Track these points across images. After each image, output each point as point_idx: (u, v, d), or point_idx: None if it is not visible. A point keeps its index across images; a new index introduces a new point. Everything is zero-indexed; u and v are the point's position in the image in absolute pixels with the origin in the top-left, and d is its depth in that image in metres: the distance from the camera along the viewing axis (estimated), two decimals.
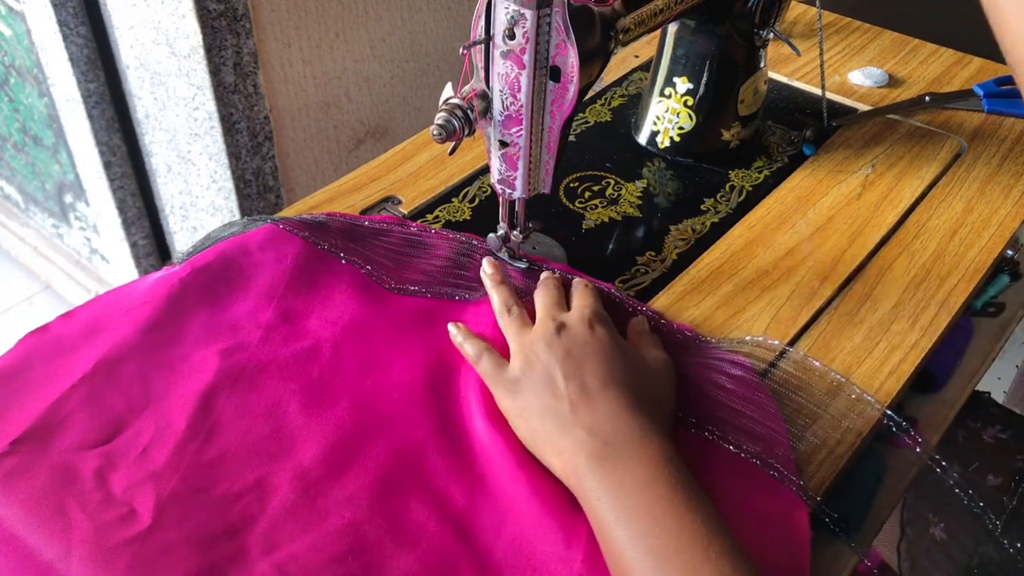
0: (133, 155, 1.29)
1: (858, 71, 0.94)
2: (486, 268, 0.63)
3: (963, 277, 0.69)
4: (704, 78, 0.77)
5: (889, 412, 0.57)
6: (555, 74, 0.56)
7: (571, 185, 0.78)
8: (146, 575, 0.47)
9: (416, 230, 0.70)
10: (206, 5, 0.96)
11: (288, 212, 0.73)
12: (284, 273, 0.64)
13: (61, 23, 1.11)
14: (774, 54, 0.96)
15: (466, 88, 0.58)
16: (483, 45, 0.56)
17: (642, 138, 0.83)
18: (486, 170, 0.78)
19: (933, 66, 0.96)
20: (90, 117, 1.21)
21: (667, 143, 0.81)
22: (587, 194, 0.77)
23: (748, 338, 0.62)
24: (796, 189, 0.78)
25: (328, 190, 0.77)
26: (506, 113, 0.57)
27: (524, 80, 0.55)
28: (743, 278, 0.68)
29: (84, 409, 0.55)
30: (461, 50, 0.55)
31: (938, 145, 0.83)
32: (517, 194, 0.62)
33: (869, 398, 0.58)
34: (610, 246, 0.72)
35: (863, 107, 0.89)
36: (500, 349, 0.58)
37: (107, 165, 1.27)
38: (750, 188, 0.78)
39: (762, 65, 0.79)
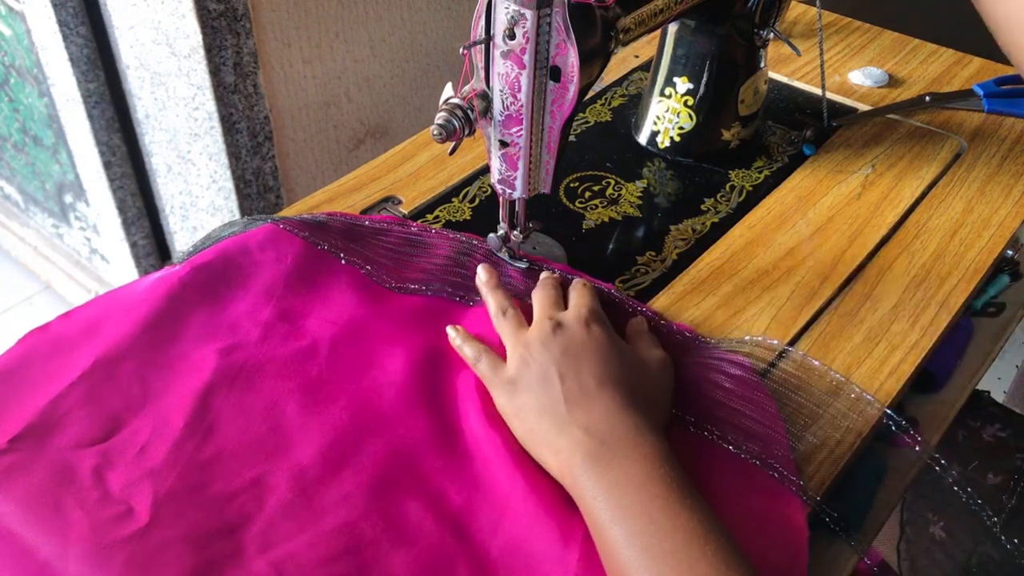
0: (133, 155, 1.29)
1: (858, 71, 0.94)
2: (481, 275, 0.63)
3: (963, 277, 0.69)
4: (704, 78, 0.77)
5: (888, 411, 0.57)
6: (555, 74, 0.56)
7: (571, 185, 0.78)
8: (143, 573, 0.47)
9: (416, 230, 0.70)
10: (206, 5, 0.96)
11: (288, 212, 0.73)
12: (284, 272, 0.64)
13: (61, 23, 1.11)
14: (774, 54, 0.96)
15: (466, 88, 0.58)
16: (483, 45, 0.56)
17: (642, 138, 0.83)
18: (486, 170, 0.78)
19: (933, 66, 0.96)
20: (90, 117, 1.21)
21: (667, 143, 0.81)
22: (587, 194, 0.77)
23: (748, 338, 0.62)
24: (796, 189, 0.78)
25: (328, 190, 0.77)
26: (506, 113, 0.57)
27: (524, 80, 0.55)
28: (743, 278, 0.68)
29: (82, 407, 0.55)
30: (461, 50, 0.55)
31: (938, 145, 0.84)
32: (517, 194, 0.62)
33: (868, 397, 0.58)
34: (610, 246, 0.72)
35: (863, 107, 0.89)
36: (499, 351, 0.58)
37: (107, 165, 1.27)
38: (750, 188, 0.78)
39: (762, 65, 0.79)
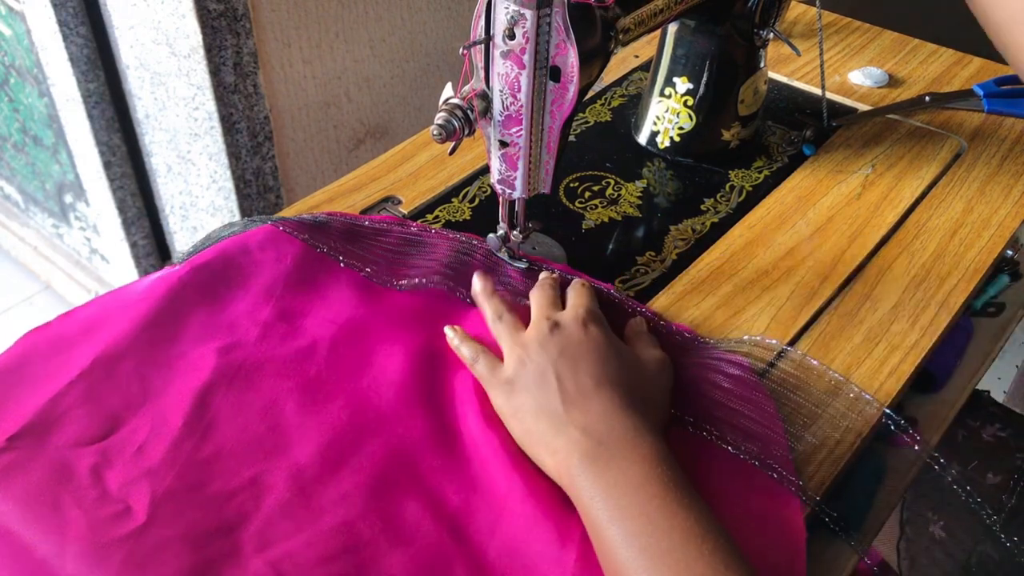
0: (133, 155, 1.29)
1: (858, 71, 0.94)
2: (476, 284, 0.63)
3: (963, 277, 0.69)
4: (704, 78, 0.77)
5: (887, 411, 0.57)
6: (555, 74, 0.56)
7: (571, 185, 0.78)
8: (140, 572, 0.47)
9: (416, 230, 0.70)
10: (206, 5, 0.96)
11: (288, 212, 0.73)
12: (283, 272, 0.64)
13: (61, 23, 1.11)
14: (774, 54, 0.96)
15: (466, 88, 0.58)
16: (483, 45, 0.56)
17: (642, 138, 0.83)
18: (486, 170, 0.78)
19: (933, 66, 0.96)
20: (90, 117, 1.21)
21: (667, 143, 0.81)
22: (587, 194, 0.77)
23: (746, 338, 0.62)
24: (796, 189, 0.78)
25: (328, 190, 0.77)
26: (506, 113, 0.57)
27: (524, 80, 0.55)
28: (743, 278, 0.68)
29: (81, 406, 0.55)
30: (461, 50, 0.55)
31: (938, 145, 0.84)
32: (517, 194, 0.62)
33: (867, 396, 0.58)
34: (610, 246, 0.72)
35: (863, 107, 0.89)
36: (497, 352, 0.58)
37: (107, 165, 1.27)
38: (750, 188, 0.78)
39: (762, 65, 0.79)
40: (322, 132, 1.18)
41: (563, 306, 0.60)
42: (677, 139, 0.81)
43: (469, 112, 0.57)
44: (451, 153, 0.60)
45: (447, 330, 0.60)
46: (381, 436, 0.55)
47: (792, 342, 0.63)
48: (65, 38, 1.13)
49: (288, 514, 0.50)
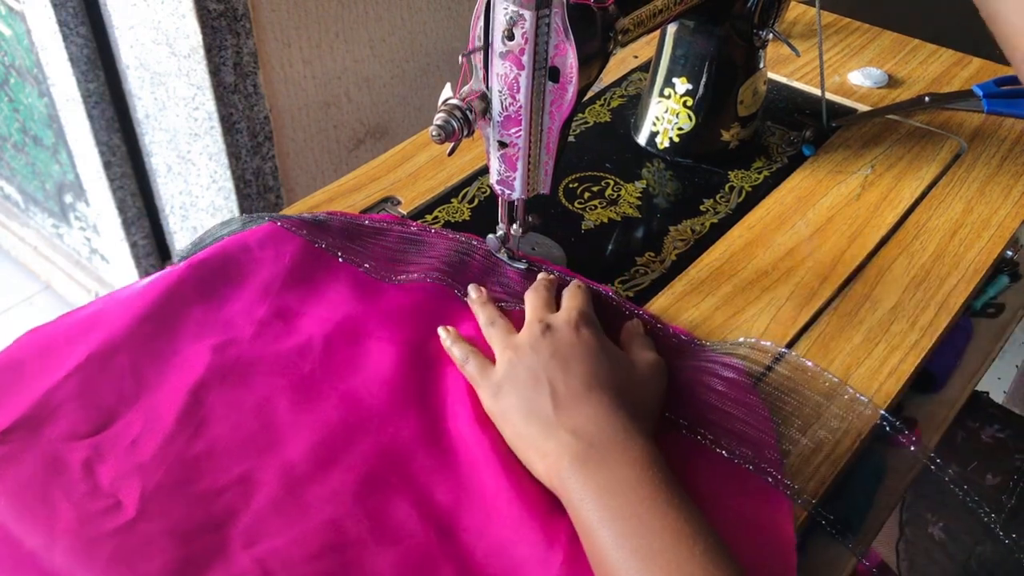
0: (133, 155, 1.29)
1: (858, 71, 0.94)
2: (471, 293, 0.63)
3: (963, 277, 0.69)
4: (703, 79, 0.77)
5: (883, 412, 0.57)
6: (554, 75, 0.56)
7: (570, 186, 0.78)
8: (127, 566, 0.47)
9: (416, 229, 0.70)
10: (206, 5, 0.96)
11: (288, 212, 0.73)
12: (281, 270, 0.64)
13: (61, 23, 1.11)
14: (774, 54, 0.96)
15: (465, 89, 0.58)
16: (482, 44, 0.56)
17: (641, 139, 0.83)
18: (485, 171, 0.78)
19: (933, 66, 0.96)
20: (90, 117, 1.21)
21: (666, 144, 0.81)
22: (586, 195, 0.77)
23: (742, 340, 0.62)
24: (796, 190, 0.78)
25: (328, 190, 0.77)
26: (505, 114, 0.57)
27: (523, 81, 0.55)
28: (743, 279, 0.68)
29: (75, 400, 0.55)
30: (460, 58, 0.55)
31: (938, 145, 0.83)
32: (516, 195, 0.62)
33: (862, 397, 0.58)
34: (609, 247, 0.72)
35: (863, 107, 0.89)
36: (490, 354, 0.58)
37: (107, 165, 1.27)
38: (749, 189, 0.78)
39: (761, 65, 0.79)
40: (322, 132, 1.18)
41: (559, 308, 0.60)
42: (676, 140, 0.81)
43: (468, 113, 0.57)
44: (450, 154, 0.60)
45: (440, 331, 0.61)
46: (372, 435, 0.55)
47: (792, 342, 0.63)
48: (65, 38, 1.13)
49: (277, 511, 0.50)
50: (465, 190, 0.77)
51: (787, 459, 0.55)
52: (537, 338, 0.56)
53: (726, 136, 0.80)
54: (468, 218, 0.74)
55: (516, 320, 0.61)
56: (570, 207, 0.75)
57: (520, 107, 0.57)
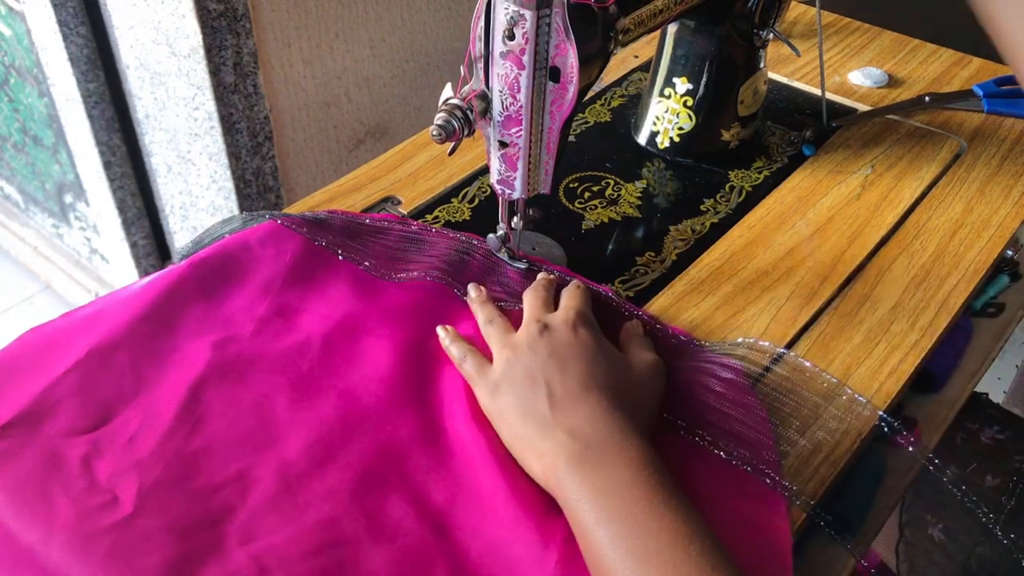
0: (133, 155, 1.29)
1: (858, 71, 0.94)
2: (471, 292, 0.63)
3: (963, 277, 0.69)
4: (704, 78, 0.77)
5: (881, 413, 0.57)
6: (554, 74, 0.56)
7: (571, 185, 0.78)
8: (124, 562, 0.47)
9: (417, 228, 0.70)
10: (206, 5, 0.96)
11: (288, 212, 0.73)
12: (282, 269, 0.65)
13: (61, 23, 1.11)
14: (774, 54, 0.96)
15: (466, 89, 0.58)
16: (483, 44, 0.56)
17: (642, 138, 0.83)
18: (486, 170, 0.78)
19: (933, 66, 0.96)
20: (90, 117, 1.21)
21: (667, 143, 0.81)
22: (587, 194, 0.77)
23: (740, 340, 0.62)
24: (796, 189, 0.78)
25: (328, 190, 0.77)
26: (506, 114, 0.57)
27: (524, 81, 0.55)
28: (743, 278, 0.68)
29: (74, 395, 0.55)
30: (463, 68, 0.55)
31: (938, 145, 0.84)
32: (516, 194, 0.62)
33: (860, 398, 0.58)
34: (610, 246, 0.72)
35: (863, 107, 0.89)
36: (488, 353, 0.58)
37: (107, 165, 1.27)
38: (750, 188, 0.78)
39: (762, 65, 0.79)
40: (322, 132, 1.18)
41: (556, 308, 0.60)
42: (677, 139, 0.81)
43: (469, 112, 0.57)
44: (451, 153, 0.60)
45: (439, 330, 0.61)
46: (370, 433, 0.55)
47: (792, 342, 0.63)
48: (65, 38, 1.13)
49: (273, 508, 0.50)
50: (465, 190, 0.77)
51: (786, 460, 0.55)
52: (535, 338, 0.56)
53: (726, 136, 0.80)
54: (468, 218, 0.74)
55: (515, 320, 0.61)
56: (570, 207, 0.75)
57: (520, 107, 0.57)
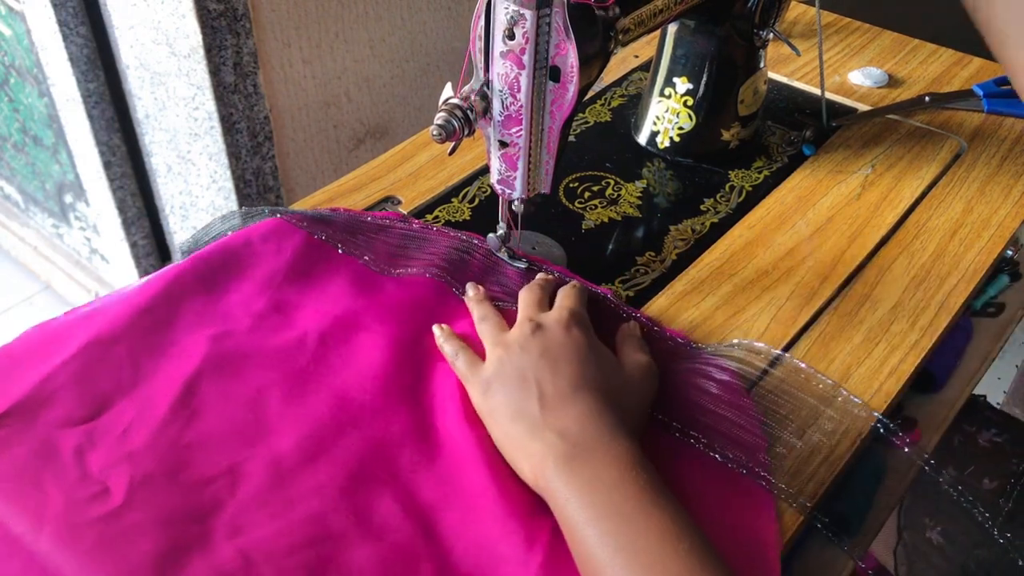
0: (133, 155, 1.29)
1: (858, 71, 0.94)
2: (468, 291, 0.63)
3: (963, 277, 0.69)
4: (704, 78, 0.77)
5: (876, 414, 0.57)
6: (555, 74, 0.56)
7: (571, 185, 0.78)
8: (111, 553, 0.47)
9: (418, 227, 0.70)
10: (206, 5, 0.96)
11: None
12: (282, 264, 0.65)
13: (61, 23, 1.11)
14: (774, 54, 0.96)
15: (466, 88, 0.58)
16: (482, 44, 0.56)
17: (642, 138, 0.83)
18: (486, 170, 0.78)
19: (933, 66, 0.96)
20: (90, 117, 1.21)
21: (667, 143, 0.81)
22: (587, 194, 0.77)
23: (736, 342, 0.62)
24: (796, 189, 0.78)
25: (328, 190, 0.77)
26: (506, 113, 0.57)
27: (524, 80, 0.55)
28: (743, 278, 0.68)
29: (72, 386, 0.56)
30: (463, 75, 0.55)
31: (938, 145, 0.84)
32: (517, 194, 0.62)
33: (855, 399, 0.58)
34: (610, 246, 0.72)
35: (863, 107, 0.89)
36: (483, 352, 0.58)
37: (107, 165, 1.27)
38: (750, 188, 0.78)
39: (762, 65, 0.79)
40: (322, 132, 1.18)
41: (551, 308, 0.60)
42: (677, 139, 0.81)
43: (469, 112, 0.57)
44: (451, 153, 0.60)
45: (435, 328, 0.61)
46: (361, 430, 0.55)
47: (792, 342, 0.63)
48: (65, 38, 1.13)
49: (262, 503, 0.51)
50: (466, 190, 0.77)
51: (785, 461, 0.55)
52: (527, 337, 0.56)
53: (726, 136, 0.80)
54: (468, 218, 0.74)
55: (512, 319, 0.61)
56: (570, 207, 0.75)
57: (521, 106, 0.57)
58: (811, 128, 0.84)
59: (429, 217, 0.74)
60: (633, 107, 0.88)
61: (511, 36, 0.53)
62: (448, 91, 0.58)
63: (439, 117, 0.57)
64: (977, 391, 0.92)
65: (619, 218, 0.75)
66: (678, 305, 0.66)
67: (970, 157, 0.82)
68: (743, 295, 0.67)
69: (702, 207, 0.76)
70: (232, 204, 1.16)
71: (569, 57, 0.54)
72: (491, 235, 0.67)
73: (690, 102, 0.79)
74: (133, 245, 1.38)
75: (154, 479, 0.51)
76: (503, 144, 0.59)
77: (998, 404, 1.41)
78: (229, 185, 1.13)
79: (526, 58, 0.54)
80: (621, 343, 0.60)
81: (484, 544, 0.49)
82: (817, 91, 0.90)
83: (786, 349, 0.62)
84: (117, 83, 1.19)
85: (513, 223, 0.65)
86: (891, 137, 0.85)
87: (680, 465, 0.53)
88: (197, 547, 0.48)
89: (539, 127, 0.58)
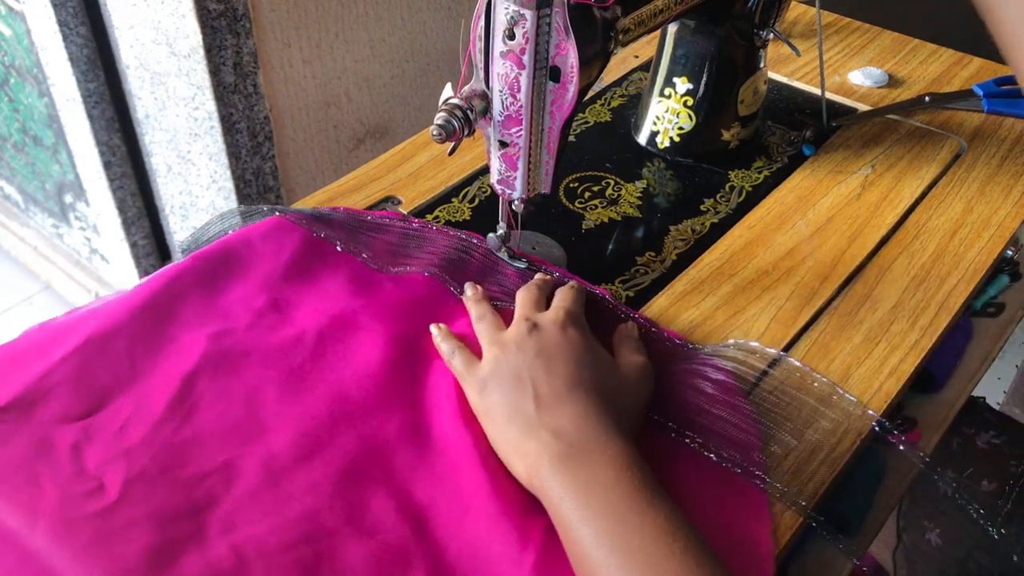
0: (133, 155, 1.29)
1: (858, 71, 0.94)
2: (467, 290, 0.64)
3: (963, 277, 0.69)
4: (704, 78, 0.77)
5: (870, 411, 0.57)
6: (555, 74, 0.56)
7: (571, 185, 0.78)
8: (105, 548, 0.47)
9: (418, 225, 0.70)
10: (206, 5, 0.96)
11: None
12: (282, 263, 0.65)
13: (61, 23, 1.11)
14: (774, 54, 0.96)
15: (466, 88, 0.58)
16: (483, 44, 0.56)
17: (642, 138, 0.83)
18: (486, 170, 0.78)
19: (933, 66, 0.96)
20: (90, 117, 1.21)
21: (667, 143, 0.81)
22: (587, 194, 0.77)
23: (732, 342, 0.62)
24: (796, 189, 0.78)
25: (328, 190, 0.77)
26: (506, 113, 0.57)
27: (524, 80, 0.55)
28: (743, 278, 0.68)
29: (70, 382, 0.56)
30: (463, 67, 0.55)
31: (938, 145, 0.84)
32: (517, 194, 0.62)
33: (850, 397, 0.58)
34: (610, 246, 0.72)
35: (863, 107, 0.89)
36: (480, 351, 0.58)
37: (107, 165, 1.27)
38: (750, 188, 0.78)
39: (762, 65, 0.79)
40: (322, 132, 1.18)
41: (548, 308, 0.60)
42: (677, 139, 0.81)
43: (469, 112, 0.57)
44: (451, 153, 0.60)
45: (432, 327, 0.61)
46: (356, 429, 0.55)
47: (792, 342, 0.63)
48: (65, 38, 1.13)
49: (256, 500, 0.51)
50: (466, 190, 0.77)
51: (784, 461, 0.55)
52: (523, 336, 0.56)
53: (726, 136, 0.80)
54: (469, 218, 0.74)
55: (510, 319, 0.61)
56: (570, 207, 0.76)
57: (521, 107, 0.57)
58: (811, 128, 0.84)
59: (429, 217, 0.74)
60: (633, 107, 0.88)
61: (511, 36, 0.53)
62: (448, 91, 0.58)
63: (439, 117, 0.57)
64: (977, 391, 0.92)
65: (619, 218, 0.75)
66: (678, 305, 0.66)
67: (970, 157, 0.82)
68: (743, 295, 0.67)
69: (702, 207, 0.76)
70: (232, 204, 1.16)
71: (569, 57, 0.54)
72: (491, 235, 0.67)
73: (690, 102, 0.79)
74: (133, 245, 1.38)
75: (149, 475, 0.51)
76: (503, 144, 0.59)
77: (998, 404, 1.41)
78: (229, 185, 1.13)
79: (526, 58, 0.54)
80: (618, 344, 0.60)
81: (478, 543, 0.49)
82: (817, 91, 0.90)
83: (786, 349, 0.62)
84: (117, 83, 1.19)
85: (514, 223, 0.65)
86: (891, 137, 0.85)
87: (676, 465, 0.53)
88: (190, 543, 0.48)
89: (539, 127, 0.58)
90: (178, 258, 0.66)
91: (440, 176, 0.79)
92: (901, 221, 0.74)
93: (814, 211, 0.75)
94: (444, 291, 0.65)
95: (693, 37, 0.76)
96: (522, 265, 0.67)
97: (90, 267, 1.59)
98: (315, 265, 0.66)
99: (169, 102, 1.11)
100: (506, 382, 0.54)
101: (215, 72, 1.01)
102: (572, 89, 0.56)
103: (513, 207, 0.64)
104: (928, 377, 0.86)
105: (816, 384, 0.59)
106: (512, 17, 0.53)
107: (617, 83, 0.93)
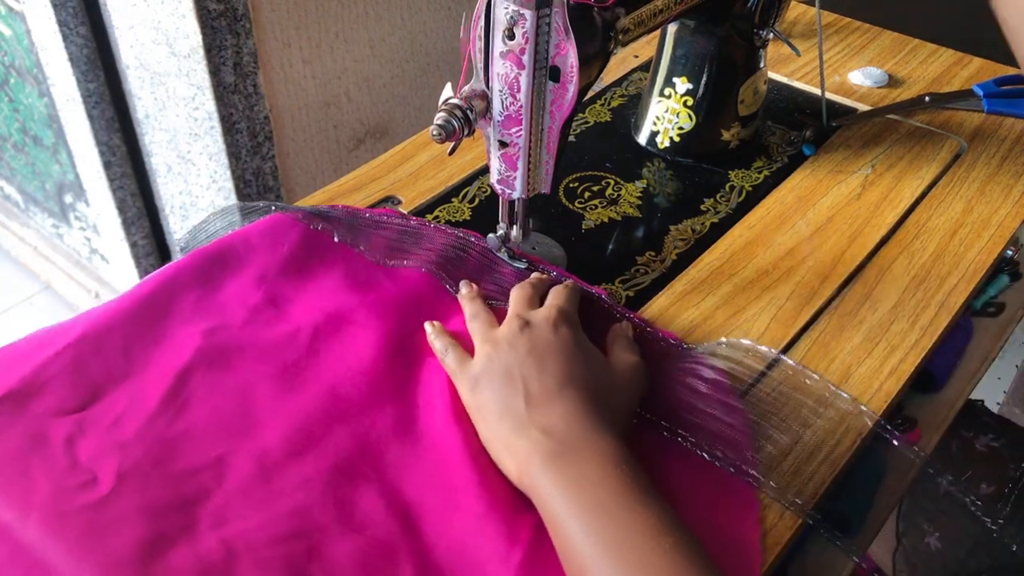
0: (133, 155, 1.29)
1: (858, 71, 0.94)
2: (462, 289, 0.64)
3: (963, 277, 0.69)
4: (704, 78, 0.77)
5: (868, 410, 0.57)
6: (555, 74, 0.56)
7: (571, 185, 0.78)
8: (97, 541, 0.48)
9: (416, 223, 0.71)
10: (206, 5, 0.96)
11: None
12: (279, 259, 0.65)
13: (61, 23, 1.11)
14: (774, 54, 0.96)
15: (466, 88, 0.58)
16: (483, 44, 0.56)
17: (642, 138, 0.83)
18: (486, 170, 0.78)
19: (933, 66, 0.96)
20: (90, 117, 1.21)
21: (667, 143, 0.81)
22: (587, 194, 0.77)
23: (723, 340, 0.62)
24: (796, 189, 0.78)
25: (328, 190, 0.77)
26: (506, 113, 0.57)
27: (524, 80, 0.55)
28: (743, 278, 0.68)
29: (65, 375, 0.56)
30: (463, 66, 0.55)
31: (938, 145, 0.84)
32: (517, 194, 0.62)
33: (844, 395, 0.58)
34: (610, 246, 0.72)
35: (863, 107, 0.89)
36: (471, 349, 0.58)
37: (107, 165, 1.27)
38: (750, 188, 0.78)
39: (762, 65, 0.79)
40: (322, 132, 1.18)
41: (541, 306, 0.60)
42: (677, 139, 0.81)
43: (469, 112, 0.57)
44: (451, 153, 0.60)
45: (426, 325, 0.61)
46: (349, 425, 0.55)
47: (792, 342, 0.63)
48: (65, 38, 1.13)
49: (247, 495, 0.51)
50: (465, 189, 0.77)
51: (784, 461, 0.55)
52: (515, 334, 0.56)
53: (726, 136, 0.80)
54: (468, 218, 0.74)
55: (499, 316, 0.61)
56: (570, 207, 0.75)
57: (520, 107, 0.57)
58: (811, 128, 0.84)
59: (429, 217, 0.74)
60: (633, 107, 0.88)
61: (511, 36, 0.53)
62: (448, 91, 0.58)
63: (439, 117, 0.57)
64: (977, 391, 0.92)
65: (619, 218, 0.75)
66: (678, 305, 0.66)
67: (970, 157, 0.82)
68: (743, 295, 0.67)
69: (702, 207, 0.76)
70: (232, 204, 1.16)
71: (569, 57, 0.54)
72: (491, 235, 0.67)
73: (690, 102, 0.79)
74: (133, 245, 1.38)
75: (142, 469, 0.51)
76: (503, 144, 0.59)
77: (998, 404, 1.41)
78: (229, 185, 1.13)
79: (526, 58, 0.54)
80: (611, 342, 0.60)
81: (466, 540, 0.49)
82: (817, 91, 0.90)
83: (786, 349, 0.62)
84: (117, 83, 1.19)
85: (524, 224, 0.65)
86: (891, 137, 0.85)
87: (667, 463, 0.54)
88: (181, 537, 0.48)
89: (539, 127, 0.58)
90: (178, 257, 0.66)
91: (440, 176, 0.79)
92: (901, 221, 0.74)
93: (814, 211, 0.75)
94: (440, 289, 0.65)
95: (693, 37, 0.76)
96: (522, 265, 0.67)
97: (90, 267, 1.59)
98: (312, 261, 0.66)
99: (169, 102, 1.11)
100: (497, 380, 0.54)
101: (215, 72, 1.01)
102: (572, 89, 0.56)
103: (516, 208, 0.64)
104: (928, 377, 0.86)
105: (818, 385, 0.59)
106: (512, 17, 0.53)
107: (617, 83, 0.93)
